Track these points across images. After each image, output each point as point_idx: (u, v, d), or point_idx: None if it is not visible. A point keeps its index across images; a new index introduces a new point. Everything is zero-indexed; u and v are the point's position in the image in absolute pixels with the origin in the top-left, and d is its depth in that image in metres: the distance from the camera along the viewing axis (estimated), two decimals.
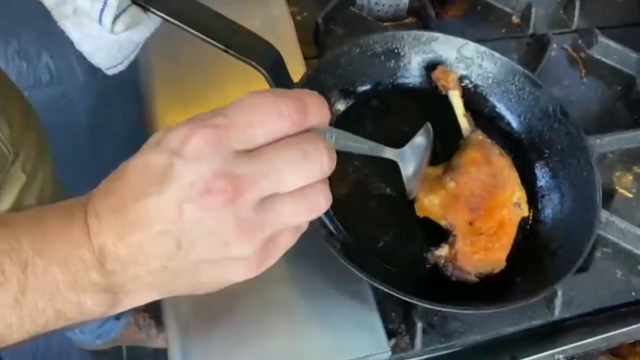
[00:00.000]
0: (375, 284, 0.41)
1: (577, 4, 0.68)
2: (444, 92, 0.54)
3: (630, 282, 0.53)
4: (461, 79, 0.56)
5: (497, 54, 0.55)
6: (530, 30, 0.67)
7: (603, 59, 0.67)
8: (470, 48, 0.55)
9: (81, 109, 1.61)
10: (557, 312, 0.50)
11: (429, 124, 0.48)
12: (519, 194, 0.48)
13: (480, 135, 0.50)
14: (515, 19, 0.68)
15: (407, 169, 0.46)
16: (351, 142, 0.36)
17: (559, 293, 0.49)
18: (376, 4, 0.67)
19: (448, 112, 0.54)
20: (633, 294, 0.52)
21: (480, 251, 0.45)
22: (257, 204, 0.27)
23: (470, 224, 0.46)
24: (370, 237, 0.48)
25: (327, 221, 0.47)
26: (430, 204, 0.47)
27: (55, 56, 1.69)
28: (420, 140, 0.47)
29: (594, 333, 0.51)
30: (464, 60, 0.56)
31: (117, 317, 1.14)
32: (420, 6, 0.66)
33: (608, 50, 0.67)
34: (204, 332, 0.43)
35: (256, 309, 0.44)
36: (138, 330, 1.22)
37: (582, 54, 0.67)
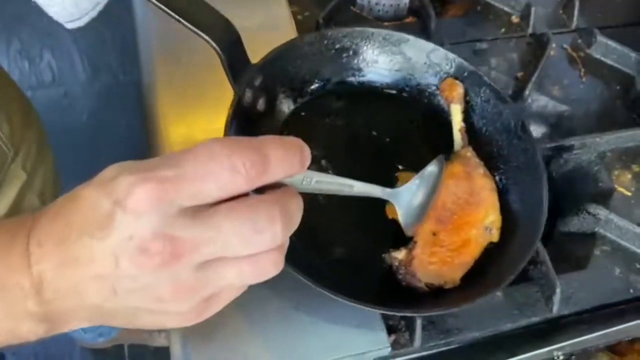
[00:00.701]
0: (321, 289, 0.39)
1: (577, 3, 0.68)
2: (446, 104, 0.54)
3: (629, 280, 0.53)
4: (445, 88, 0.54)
5: (466, 64, 0.54)
6: (530, 30, 0.68)
7: (602, 59, 0.67)
8: (440, 55, 0.54)
9: (83, 109, 1.61)
10: (556, 309, 0.50)
11: (442, 156, 0.46)
12: (492, 218, 0.47)
13: (469, 152, 0.50)
14: (514, 19, 0.69)
15: (407, 207, 0.43)
16: (335, 185, 0.34)
17: (558, 290, 0.49)
18: (376, 3, 0.67)
19: (415, 115, 0.54)
20: (631, 291, 0.53)
21: (437, 263, 0.45)
22: (197, 266, 0.26)
23: (434, 234, 0.45)
24: (334, 234, 0.47)
25: None
26: None
27: (57, 56, 1.70)
28: (431, 170, 0.45)
29: (593, 330, 0.51)
30: (432, 66, 0.55)
31: None
32: (420, 6, 0.67)
33: (607, 49, 0.67)
34: (205, 330, 0.44)
35: (257, 306, 0.44)
36: (139, 329, 1.22)
37: (582, 54, 0.68)
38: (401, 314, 0.46)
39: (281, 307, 0.44)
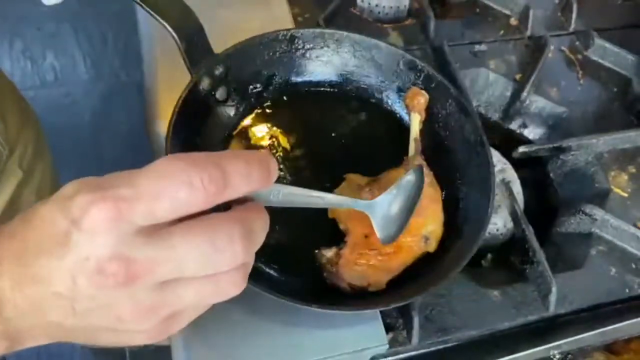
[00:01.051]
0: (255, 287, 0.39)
1: (575, 6, 0.69)
2: (406, 111, 0.54)
3: (625, 280, 0.54)
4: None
5: (435, 74, 0.53)
6: (528, 32, 0.68)
7: (600, 61, 0.68)
8: (410, 63, 0.54)
9: (85, 109, 1.62)
10: (552, 308, 0.51)
11: (422, 167, 0.46)
12: (431, 229, 0.46)
13: (418, 160, 0.49)
14: (513, 21, 0.69)
15: (383, 218, 0.43)
16: (305, 197, 0.33)
17: (554, 289, 0.50)
18: (376, 5, 0.68)
19: (378, 121, 0.55)
20: (627, 291, 0.53)
21: (364, 266, 0.44)
22: (155, 286, 0.26)
23: (366, 236, 0.45)
24: (278, 230, 0.46)
25: None
26: None
27: (60, 56, 1.71)
28: (408, 180, 0.44)
29: (589, 329, 0.52)
30: (401, 74, 0.54)
31: None
32: (419, 8, 0.67)
33: (605, 52, 0.68)
34: (206, 328, 0.44)
35: (257, 305, 0.45)
36: None
37: (579, 56, 0.68)
38: (319, 310, 0.43)
39: (279, 305, 0.45)
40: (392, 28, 0.67)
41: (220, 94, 0.50)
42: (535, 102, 0.64)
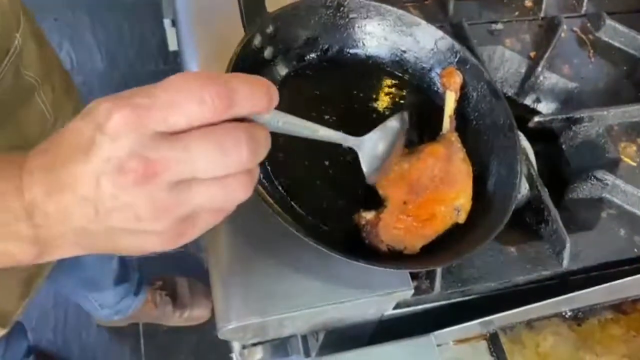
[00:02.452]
0: (309, 241, 0.43)
1: None
2: (442, 90, 0.56)
3: (633, 240, 0.57)
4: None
5: (470, 57, 0.55)
6: (542, 14, 0.72)
7: (610, 41, 0.71)
8: (447, 44, 0.56)
9: (101, 97, 1.65)
10: (565, 263, 0.54)
11: (405, 113, 0.49)
12: (462, 201, 0.49)
13: (453, 137, 0.52)
14: (528, 3, 0.73)
15: (369, 156, 0.46)
16: (301, 127, 0.36)
17: (567, 245, 0.53)
18: None
19: (412, 96, 0.57)
20: (635, 250, 0.56)
21: (401, 229, 0.47)
22: (171, 185, 0.28)
23: (405, 203, 0.48)
24: (316, 195, 0.50)
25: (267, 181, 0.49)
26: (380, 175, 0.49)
27: (76, 46, 1.75)
28: (392, 124, 0.47)
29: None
30: (438, 53, 0.57)
31: (136, 293, 1.18)
32: None
33: (615, 32, 0.71)
34: (244, 267, 0.48)
35: (293, 249, 0.48)
36: (154, 307, 1.26)
37: (591, 36, 0.72)
38: (363, 264, 0.46)
39: (314, 250, 0.48)
40: (413, 7, 0.70)
41: (268, 52, 0.52)
42: (549, 79, 0.67)
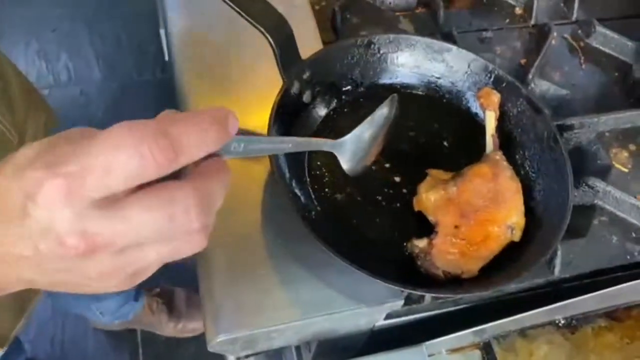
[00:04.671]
0: (354, 267, 0.43)
1: None
2: (480, 111, 0.57)
3: (625, 247, 0.57)
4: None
5: (505, 75, 0.56)
6: (533, 21, 0.72)
7: (601, 48, 0.71)
8: (480, 65, 0.57)
9: (98, 107, 1.66)
10: (557, 272, 0.54)
11: (395, 96, 0.49)
12: (515, 220, 0.49)
13: (498, 155, 0.52)
14: (518, 10, 0.73)
15: (351, 152, 0.46)
16: (269, 145, 0.34)
17: (558, 254, 0.53)
18: None
19: (453, 120, 0.58)
20: (628, 257, 0.56)
21: (456, 254, 0.47)
22: (116, 252, 0.26)
23: (456, 227, 0.48)
24: (366, 223, 0.51)
25: (307, 201, 0.50)
26: (426, 199, 0.50)
27: (74, 57, 1.76)
28: (381, 112, 0.47)
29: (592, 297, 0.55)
30: (472, 75, 0.58)
31: (136, 298, 1.20)
32: None
33: (606, 39, 0.71)
34: (232, 283, 0.47)
35: (281, 261, 0.48)
36: (151, 314, 1.27)
37: (581, 43, 0.72)
38: (420, 293, 0.49)
39: (304, 261, 0.48)
40: (404, 16, 0.70)
41: (306, 96, 0.54)
42: (540, 86, 0.67)
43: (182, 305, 1.30)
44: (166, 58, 1.69)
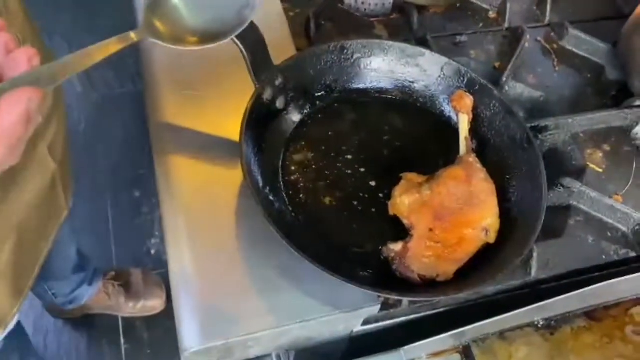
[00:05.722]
0: (329, 273, 0.43)
1: (549, 0, 0.73)
2: (454, 114, 0.57)
3: (601, 247, 0.57)
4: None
5: (478, 78, 0.57)
6: (506, 24, 0.73)
7: (574, 50, 0.72)
8: (453, 68, 0.58)
9: (79, 119, 1.65)
10: (534, 272, 0.54)
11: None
12: (490, 221, 0.49)
13: (471, 158, 0.52)
14: (492, 14, 0.74)
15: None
16: (71, 66, 0.34)
17: (535, 255, 0.53)
18: (362, 3, 0.72)
19: (426, 123, 0.58)
20: (604, 257, 0.57)
21: (431, 257, 0.47)
22: None
23: (431, 230, 0.48)
24: (341, 228, 0.51)
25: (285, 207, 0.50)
26: (401, 203, 0.50)
27: None
28: None
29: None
30: (445, 78, 0.58)
31: (90, 282, 1.19)
32: (403, 3, 0.71)
33: (578, 41, 0.72)
34: (206, 291, 0.47)
35: (256, 267, 0.48)
36: (107, 298, 1.27)
37: (555, 45, 0.72)
38: (396, 297, 0.49)
39: (279, 270, 0.48)
40: (378, 22, 0.71)
41: (279, 102, 0.54)
42: (514, 88, 0.68)
43: (140, 285, 1.30)
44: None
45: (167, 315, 1.34)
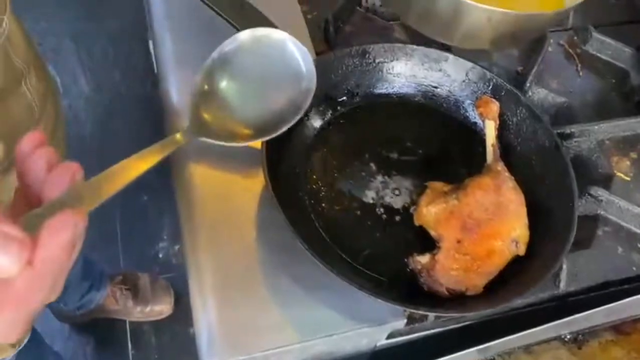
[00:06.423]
0: (353, 284, 0.41)
1: None
2: (479, 120, 0.56)
3: (631, 258, 0.55)
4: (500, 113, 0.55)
5: (503, 83, 0.55)
6: None
7: (598, 54, 0.70)
8: (478, 73, 0.56)
9: (86, 121, 1.64)
10: (563, 285, 0.52)
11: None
12: (519, 232, 0.47)
13: (499, 166, 0.51)
14: None
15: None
16: (104, 182, 0.30)
17: (564, 267, 0.51)
18: (380, 5, 0.70)
19: (451, 129, 0.57)
20: (634, 269, 0.55)
21: (460, 270, 0.46)
22: None
23: (459, 241, 0.46)
24: (360, 239, 0.49)
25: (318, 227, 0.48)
26: (427, 213, 0.48)
27: (62, 71, 1.73)
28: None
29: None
30: (470, 83, 0.57)
31: (98, 288, 1.18)
32: None
33: (602, 46, 0.70)
34: (227, 305, 0.45)
35: (278, 280, 0.46)
36: (115, 303, 1.26)
37: (578, 50, 0.71)
38: (424, 312, 0.47)
39: (301, 282, 0.46)
40: (397, 25, 0.69)
41: None
42: (537, 94, 0.66)
43: (148, 289, 1.29)
44: (156, 71, 1.67)
45: (175, 319, 1.33)
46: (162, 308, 1.30)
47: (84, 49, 1.78)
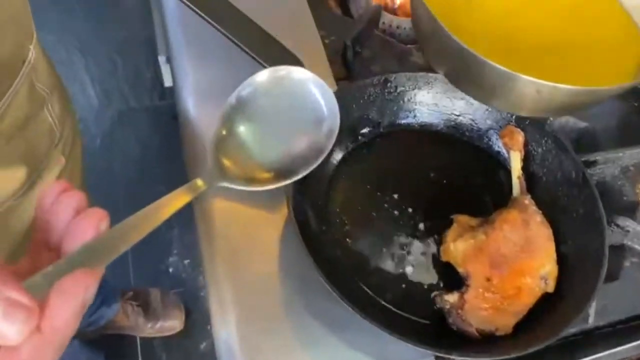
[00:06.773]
0: (376, 325, 0.40)
1: None
2: (502, 150, 0.54)
3: None
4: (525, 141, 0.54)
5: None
6: None
7: None
8: None
9: (96, 133, 1.64)
10: (592, 320, 0.51)
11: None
12: (548, 269, 0.46)
13: (526, 200, 0.50)
14: None
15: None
16: (124, 232, 0.29)
17: (593, 302, 0.50)
18: (397, 27, 0.70)
19: (474, 160, 0.55)
20: None
21: (490, 309, 0.44)
22: None
23: (488, 279, 0.45)
24: (386, 275, 0.48)
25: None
26: (454, 249, 0.47)
27: (71, 83, 1.72)
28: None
29: (627, 341, 0.52)
30: (493, 112, 0.55)
31: (109, 305, 1.17)
32: None
33: None
34: (251, 348, 0.44)
35: (301, 317, 0.45)
36: (126, 319, 1.25)
37: None
38: (453, 358, 0.45)
39: (324, 320, 0.45)
40: (416, 48, 0.68)
41: None
42: (558, 119, 0.65)
43: (159, 305, 1.28)
44: (165, 84, 1.67)
45: (186, 335, 1.32)
46: (172, 324, 1.29)
47: (93, 60, 1.78)
